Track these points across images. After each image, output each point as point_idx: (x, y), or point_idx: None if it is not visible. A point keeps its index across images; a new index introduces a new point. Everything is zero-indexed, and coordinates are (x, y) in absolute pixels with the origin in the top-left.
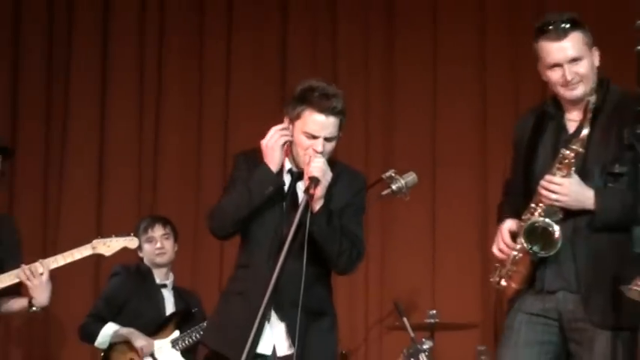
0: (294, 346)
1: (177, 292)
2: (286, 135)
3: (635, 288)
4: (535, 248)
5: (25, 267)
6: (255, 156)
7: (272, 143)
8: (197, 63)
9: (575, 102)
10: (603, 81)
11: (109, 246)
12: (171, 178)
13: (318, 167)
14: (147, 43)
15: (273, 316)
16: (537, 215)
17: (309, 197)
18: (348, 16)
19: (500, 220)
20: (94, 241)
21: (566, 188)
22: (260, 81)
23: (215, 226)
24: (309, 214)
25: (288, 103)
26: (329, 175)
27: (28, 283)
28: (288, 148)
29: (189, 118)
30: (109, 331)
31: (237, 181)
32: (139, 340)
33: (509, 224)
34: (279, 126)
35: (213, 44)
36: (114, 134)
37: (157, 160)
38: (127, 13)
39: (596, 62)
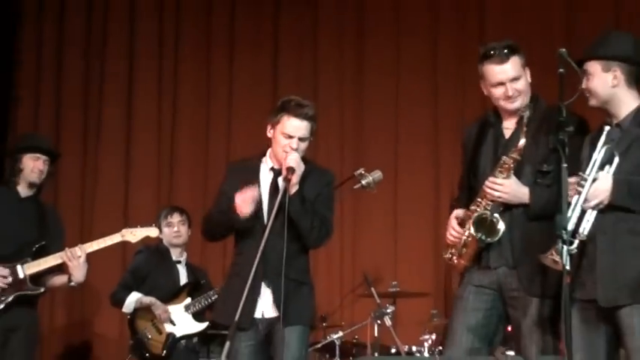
0: (279, 309)
1: (189, 267)
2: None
3: (549, 256)
4: (482, 236)
5: (67, 250)
6: (244, 165)
7: (244, 204)
8: (205, 71)
9: (512, 113)
10: (534, 96)
11: (134, 234)
12: (184, 171)
13: (293, 159)
14: (164, 51)
15: (262, 286)
16: (483, 208)
17: (287, 182)
18: (327, 39)
19: (451, 210)
20: (123, 231)
21: (507, 188)
22: (255, 87)
23: (206, 234)
24: (287, 197)
25: (271, 113)
26: (302, 167)
27: (68, 263)
28: (272, 150)
29: (198, 122)
30: (133, 298)
31: (223, 196)
32: (159, 309)
33: (457, 213)
34: (251, 194)
35: (218, 53)
36: (137, 135)
37: (172, 158)
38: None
39: (529, 79)
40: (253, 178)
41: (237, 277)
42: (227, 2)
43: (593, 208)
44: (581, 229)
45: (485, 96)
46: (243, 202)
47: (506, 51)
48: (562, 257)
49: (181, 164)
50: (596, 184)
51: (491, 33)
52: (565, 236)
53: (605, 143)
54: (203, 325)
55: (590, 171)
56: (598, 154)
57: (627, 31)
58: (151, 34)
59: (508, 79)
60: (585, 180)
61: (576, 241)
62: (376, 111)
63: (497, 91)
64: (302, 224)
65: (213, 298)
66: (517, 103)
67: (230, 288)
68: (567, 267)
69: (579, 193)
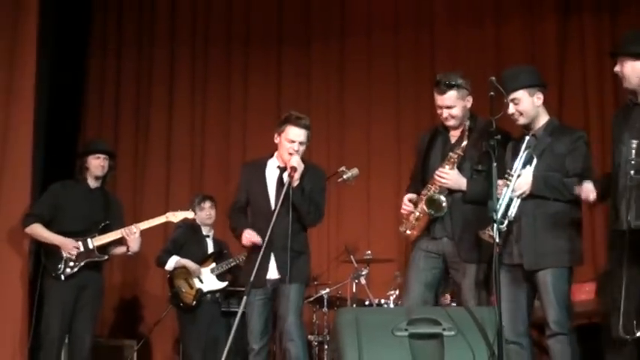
0: (282, 273)
1: (215, 240)
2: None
3: (487, 232)
4: (432, 212)
5: (125, 228)
6: (254, 164)
7: (246, 242)
8: (227, 91)
9: (452, 127)
10: (472, 115)
11: (176, 216)
12: (211, 167)
13: (295, 160)
14: (197, 75)
15: (271, 255)
16: (433, 191)
17: (291, 178)
18: (317, 71)
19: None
20: (167, 213)
21: (451, 176)
22: (263, 105)
23: (233, 229)
24: (291, 189)
25: (277, 125)
26: (302, 166)
27: (127, 237)
28: (278, 153)
29: (222, 130)
30: (173, 260)
31: (240, 188)
32: (193, 266)
33: (409, 195)
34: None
35: (236, 79)
36: (176, 138)
37: (202, 157)
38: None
39: (468, 105)
40: (261, 175)
41: (253, 249)
42: (242, 40)
43: (518, 197)
44: (509, 213)
45: (436, 112)
46: (247, 241)
47: (446, 86)
48: (494, 232)
49: (209, 162)
50: (520, 179)
51: (440, 67)
52: (495, 217)
53: (526, 148)
54: (224, 284)
55: (516, 169)
56: (521, 157)
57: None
58: (187, 61)
59: (444, 106)
60: (512, 176)
61: (506, 221)
62: (353, 123)
63: (438, 111)
64: (302, 210)
65: (232, 264)
66: (450, 123)
67: (249, 257)
68: (497, 240)
69: (507, 185)
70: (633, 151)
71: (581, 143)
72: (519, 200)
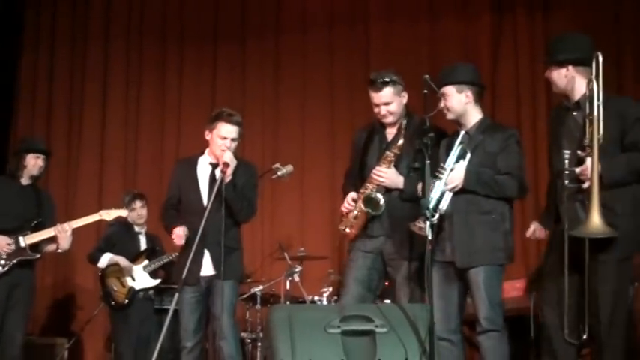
0: (216, 269)
1: (148, 236)
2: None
3: (416, 224)
4: (369, 210)
5: (58, 225)
6: (188, 162)
7: (177, 238)
8: (161, 87)
9: (389, 125)
10: (409, 112)
11: (109, 214)
12: (145, 165)
13: (228, 156)
14: (131, 69)
15: (205, 252)
16: (370, 190)
17: (223, 174)
18: (252, 68)
19: (345, 192)
20: (101, 211)
21: (388, 175)
22: (198, 101)
23: (165, 227)
24: (223, 185)
25: (209, 122)
26: (234, 162)
27: (59, 235)
28: (209, 149)
29: (156, 127)
30: (106, 257)
31: (172, 185)
32: (125, 263)
33: (353, 195)
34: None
35: (171, 74)
36: (108, 136)
37: (136, 154)
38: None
39: (404, 101)
40: (193, 172)
41: (186, 245)
42: (177, 36)
43: (450, 191)
44: (441, 206)
45: (369, 108)
46: (178, 237)
47: (381, 83)
48: (426, 230)
49: (143, 158)
50: (452, 173)
51: (374, 64)
52: (428, 214)
53: (460, 144)
54: (157, 281)
55: (449, 163)
56: (454, 152)
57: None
58: (121, 56)
59: (381, 103)
60: (445, 169)
61: (437, 215)
62: (288, 120)
63: (375, 109)
64: (234, 205)
65: (165, 261)
66: (388, 120)
67: (182, 254)
68: (430, 237)
69: (440, 179)
70: (567, 162)
71: (513, 142)
72: (451, 194)
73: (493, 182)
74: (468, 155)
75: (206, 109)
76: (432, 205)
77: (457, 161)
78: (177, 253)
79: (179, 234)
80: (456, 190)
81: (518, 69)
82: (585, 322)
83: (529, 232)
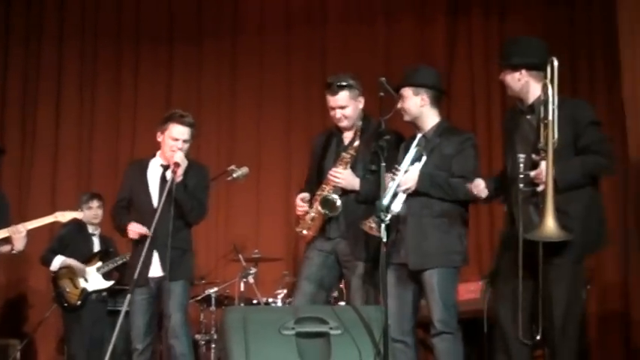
0: (164, 270)
1: (102, 238)
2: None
3: (367, 224)
4: (326, 212)
5: (12, 226)
6: (140, 164)
7: (133, 233)
8: (117, 87)
9: (345, 128)
10: (366, 116)
11: (64, 216)
12: (99, 164)
13: (179, 156)
14: (85, 67)
15: (155, 253)
16: (327, 192)
17: (174, 174)
18: (209, 69)
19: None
20: (56, 213)
21: (345, 176)
22: (154, 101)
23: (117, 227)
24: (174, 185)
25: (160, 123)
26: (185, 162)
27: (13, 236)
28: (161, 151)
29: (110, 127)
30: (59, 259)
31: (124, 186)
32: (78, 265)
33: (302, 195)
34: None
35: (127, 74)
36: (63, 135)
37: (90, 154)
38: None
39: (360, 106)
40: (144, 173)
41: (137, 247)
42: (132, 36)
43: (404, 192)
44: (393, 207)
45: (326, 110)
46: (133, 234)
47: (338, 87)
48: (380, 230)
49: (98, 157)
50: (407, 174)
51: (331, 65)
52: (383, 217)
53: (416, 146)
54: (110, 283)
55: (404, 165)
56: (410, 154)
57: (431, 66)
58: (76, 56)
59: (337, 106)
60: (399, 170)
61: (389, 215)
62: (244, 121)
63: (331, 113)
64: (185, 206)
65: (119, 262)
66: (343, 124)
67: (133, 255)
68: (384, 239)
69: (394, 179)
70: (521, 166)
71: (468, 145)
72: (404, 196)
73: (446, 185)
74: (424, 158)
75: (162, 109)
76: (385, 204)
77: (412, 163)
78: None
79: (135, 230)
80: (409, 191)
81: (473, 70)
82: (539, 323)
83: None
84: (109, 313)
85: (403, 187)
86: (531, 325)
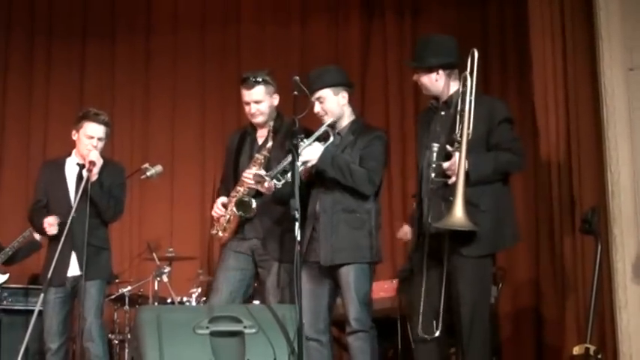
0: (82, 269)
1: None
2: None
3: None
4: (242, 213)
5: None
6: (55, 163)
7: (50, 228)
8: (28, 85)
9: (259, 125)
10: (279, 114)
11: None
12: (11, 159)
13: (94, 155)
14: None
15: (71, 252)
16: (242, 193)
17: (89, 172)
18: (121, 64)
19: (218, 196)
20: None
21: (260, 177)
22: (66, 99)
23: (36, 228)
24: (89, 184)
25: (75, 121)
26: (101, 161)
27: None
28: (76, 149)
29: (22, 127)
30: None
31: (39, 187)
32: None
33: (222, 199)
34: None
35: (39, 71)
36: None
37: (1, 148)
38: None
39: (275, 103)
40: (60, 173)
41: (52, 246)
42: (44, 32)
43: (302, 164)
44: (287, 175)
45: (240, 109)
46: (50, 227)
47: (253, 81)
48: (295, 231)
49: (8, 156)
50: (309, 148)
51: (246, 65)
52: (297, 216)
53: (327, 126)
54: (5, 277)
55: (309, 140)
56: (319, 131)
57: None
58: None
59: (252, 101)
60: (304, 142)
61: (283, 181)
62: (158, 120)
63: (246, 108)
64: (101, 204)
65: (9, 254)
66: (258, 119)
67: (48, 254)
68: (299, 238)
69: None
70: (435, 154)
71: (377, 141)
72: (302, 168)
73: (347, 169)
74: (332, 138)
75: (74, 107)
76: (275, 172)
77: (319, 141)
78: (23, 237)
79: (51, 222)
80: (309, 165)
81: (387, 71)
82: (439, 319)
83: (400, 234)
84: (21, 312)
85: (302, 159)
86: (445, 319)
